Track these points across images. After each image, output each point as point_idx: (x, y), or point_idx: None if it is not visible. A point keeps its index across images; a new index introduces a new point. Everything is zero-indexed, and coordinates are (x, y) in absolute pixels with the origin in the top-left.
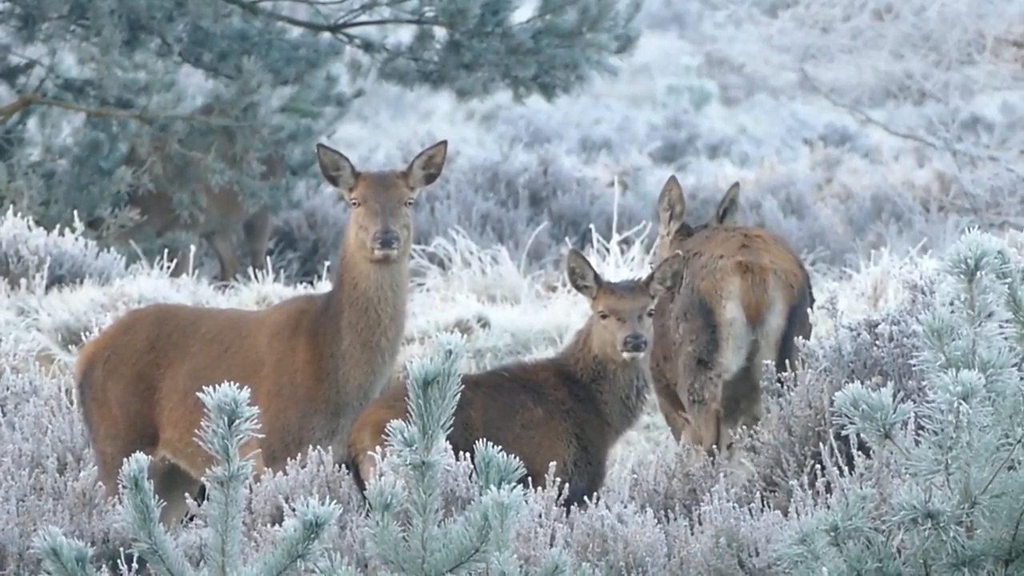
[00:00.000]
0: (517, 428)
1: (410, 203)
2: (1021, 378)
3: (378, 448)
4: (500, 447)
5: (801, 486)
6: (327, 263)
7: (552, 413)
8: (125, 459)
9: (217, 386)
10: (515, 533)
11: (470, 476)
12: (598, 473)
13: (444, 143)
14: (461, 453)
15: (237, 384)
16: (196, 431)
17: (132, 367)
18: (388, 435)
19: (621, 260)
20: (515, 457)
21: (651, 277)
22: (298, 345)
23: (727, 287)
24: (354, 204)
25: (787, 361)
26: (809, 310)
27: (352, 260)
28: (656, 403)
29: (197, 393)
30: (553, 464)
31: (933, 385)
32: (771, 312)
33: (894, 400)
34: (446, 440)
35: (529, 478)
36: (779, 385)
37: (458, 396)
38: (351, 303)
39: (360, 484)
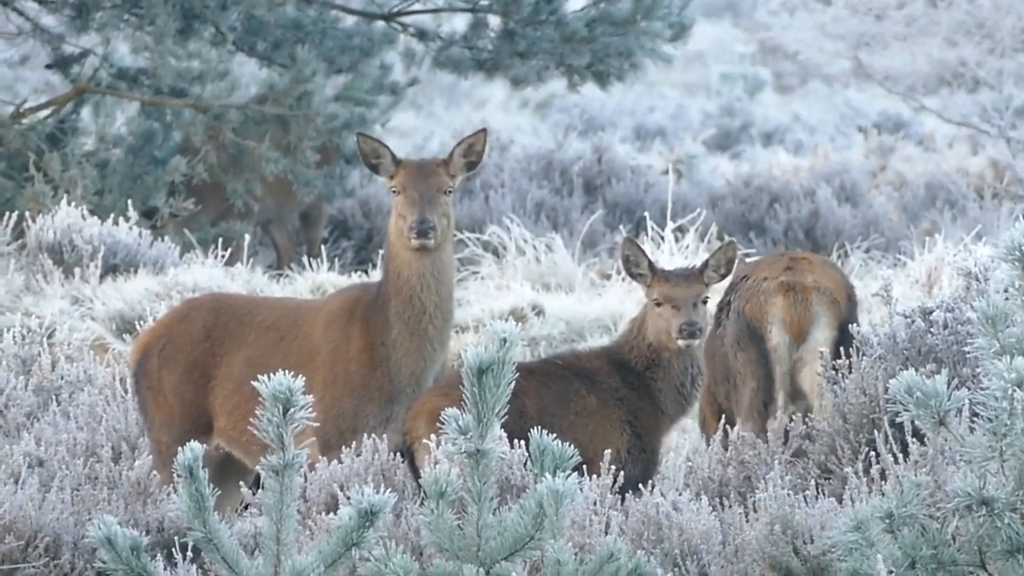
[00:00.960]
0: (571, 416)
1: (450, 191)
2: None
3: (433, 436)
4: (554, 435)
5: (856, 473)
6: (381, 251)
7: (606, 401)
8: (179, 448)
9: (272, 375)
10: (570, 521)
11: (525, 464)
12: (652, 461)
13: (484, 131)
14: (516, 441)
15: (292, 373)
16: (251, 420)
17: (187, 356)
18: (443, 423)
19: (675, 248)
20: (569, 445)
21: (705, 264)
22: (352, 333)
23: (771, 309)
24: (394, 192)
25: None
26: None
27: (394, 249)
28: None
29: (252, 382)
30: (607, 452)
31: (987, 372)
32: (816, 327)
33: (948, 387)
34: (500, 428)
35: (583, 466)
36: (834, 373)
37: (512, 384)
38: (396, 292)
39: (415, 472)
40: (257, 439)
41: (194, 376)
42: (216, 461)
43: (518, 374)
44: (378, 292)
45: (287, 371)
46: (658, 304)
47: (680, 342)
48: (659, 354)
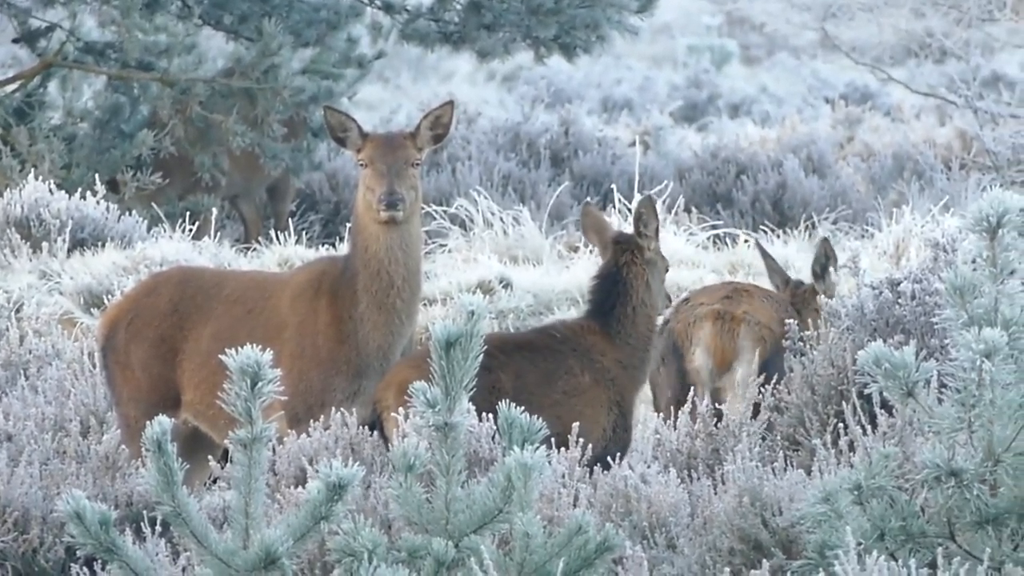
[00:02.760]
0: (558, 394)
1: (417, 164)
2: None
3: (402, 408)
4: (536, 413)
5: (824, 445)
6: (348, 225)
7: (598, 381)
8: (148, 422)
9: (239, 348)
10: (538, 494)
11: (493, 437)
12: (630, 437)
13: (451, 103)
14: (485, 415)
15: (259, 346)
16: (217, 393)
17: (155, 329)
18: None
19: None
20: (557, 419)
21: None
22: (320, 307)
23: (697, 332)
24: (362, 165)
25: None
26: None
27: (362, 222)
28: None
29: (219, 356)
30: (588, 429)
31: (956, 343)
32: (740, 360)
33: (917, 358)
34: (472, 403)
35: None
36: (802, 344)
37: (482, 358)
38: (364, 265)
39: (385, 443)
40: (224, 413)
41: (161, 350)
42: (184, 435)
43: (499, 348)
44: (345, 265)
45: (254, 345)
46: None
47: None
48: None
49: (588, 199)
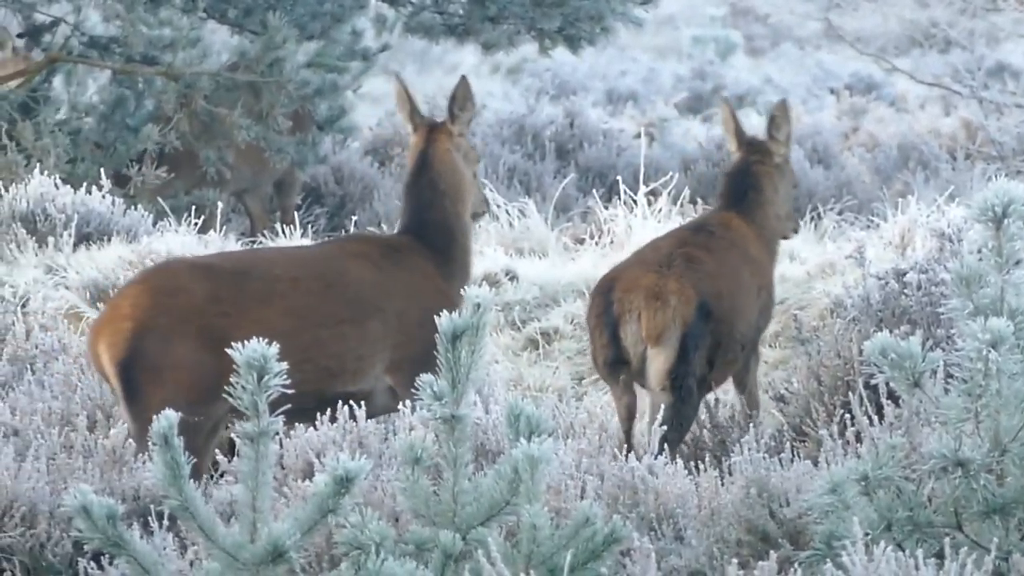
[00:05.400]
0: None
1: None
2: None
3: (649, 312)
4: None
5: (831, 436)
6: (354, 218)
7: (752, 270)
8: (197, 417)
9: (333, 322)
10: (545, 486)
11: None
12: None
13: (463, 77)
14: (492, 406)
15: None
16: (316, 363)
17: (195, 324)
18: (660, 298)
19: (648, 212)
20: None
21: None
22: (417, 267)
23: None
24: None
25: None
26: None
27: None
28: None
29: (312, 331)
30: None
31: (962, 333)
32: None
33: (923, 348)
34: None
35: None
36: (807, 334)
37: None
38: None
39: (616, 350)
40: (308, 380)
41: (208, 342)
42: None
43: None
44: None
45: (349, 318)
46: None
47: None
48: None
49: (594, 192)
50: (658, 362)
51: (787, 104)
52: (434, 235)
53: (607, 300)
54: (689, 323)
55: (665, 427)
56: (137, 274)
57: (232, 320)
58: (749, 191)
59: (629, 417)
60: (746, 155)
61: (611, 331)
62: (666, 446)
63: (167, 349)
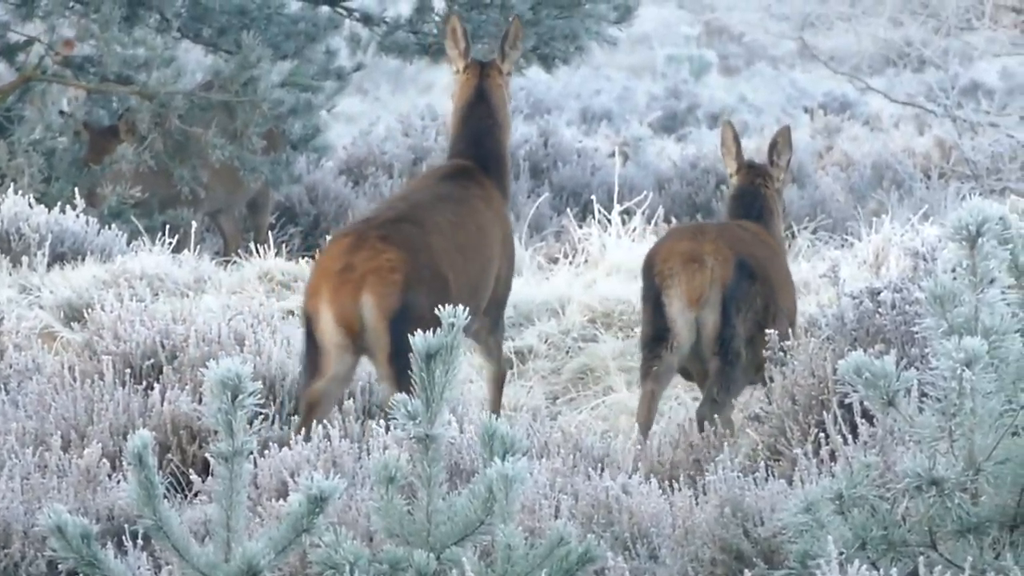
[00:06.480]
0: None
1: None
2: None
3: (686, 277)
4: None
5: (805, 455)
6: (328, 237)
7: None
8: None
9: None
10: (520, 505)
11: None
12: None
13: (516, 17)
14: (466, 426)
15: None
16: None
17: (442, 273)
18: (697, 260)
19: (622, 231)
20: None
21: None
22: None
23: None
24: None
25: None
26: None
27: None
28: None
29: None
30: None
31: (936, 352)
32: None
33: (897, 368)
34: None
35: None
36: (782, 354)
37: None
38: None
39: (659, 316)
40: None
41: (448, 286)
42: None
43: None
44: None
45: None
46: None
47: None
48: None
49: (568, 211)
50: (707, 329)
51: (789, 130)
52: (489, 162)
53: (650, 275)
54: (728, 284)
55: (714, 389)
56: (356, 233)
57: (451, 274)
58: (763, 212)
59: (649, 412)
60: (751, 178)
61: (654, 303)
62: (708, 410)
63: (430, 300)
